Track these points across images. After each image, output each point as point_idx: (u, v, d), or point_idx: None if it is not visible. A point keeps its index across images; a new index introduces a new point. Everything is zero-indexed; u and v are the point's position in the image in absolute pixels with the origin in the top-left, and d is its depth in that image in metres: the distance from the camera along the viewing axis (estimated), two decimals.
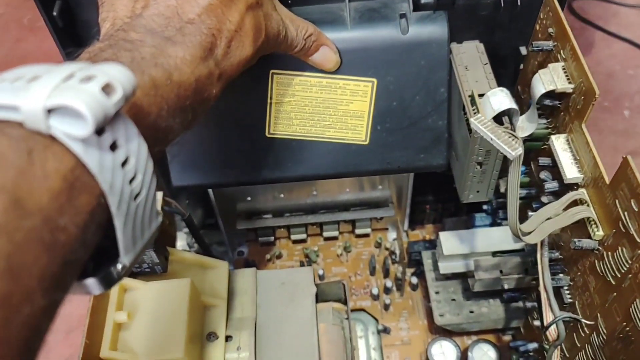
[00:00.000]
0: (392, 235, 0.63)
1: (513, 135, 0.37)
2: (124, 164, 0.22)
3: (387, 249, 0.62)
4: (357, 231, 0.62)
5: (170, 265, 0.45)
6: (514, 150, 0.36)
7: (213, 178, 0.47)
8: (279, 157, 0.46)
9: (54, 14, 0.41)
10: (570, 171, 0.39)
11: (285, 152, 0.46)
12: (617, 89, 0.80)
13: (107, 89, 0.21)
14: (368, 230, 0.62)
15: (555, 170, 0.41)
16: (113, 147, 0.22)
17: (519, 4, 0.43)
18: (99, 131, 0.21)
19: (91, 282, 0.23)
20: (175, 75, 0.28)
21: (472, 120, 0.38)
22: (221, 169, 0.46)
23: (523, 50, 0.47)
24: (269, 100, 0.45)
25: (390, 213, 0.60)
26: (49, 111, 0.20)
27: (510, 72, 0.49)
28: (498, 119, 0.41)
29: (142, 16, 0.30)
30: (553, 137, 0.41)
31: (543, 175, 0.43)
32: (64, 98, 0.20)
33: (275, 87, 0.44)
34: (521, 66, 0.48)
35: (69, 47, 0.44)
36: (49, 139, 0.21)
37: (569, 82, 0.40)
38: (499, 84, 0.45)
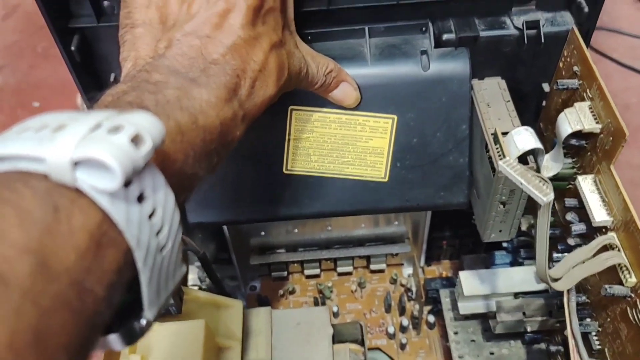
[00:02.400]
0: (407, 270, 0.62)
1: (543, 179, 0.36)
2: (150, 215, 0.21)
3: (402, 285, 0.60)
4: (372, 267, 0.60)
5: (184, 304, 0.44)
6: (546, 196, 0.35)
7: (230, 215, 0.46)
8: (297, 193, 0.45)
9: (72, 48, 0.41)
10: (599, 214, 0.38)
11: (303, 189, 0.45)
12: (634, 122, 0.79)
13: (135, 139, 0.20)
14: (383, 266, 0.60)
15: (582, 211, 0.40)
16: (140, 198, 0.21)
17: (542, 41, 0.42)
18: (127, 183, 0.20)
19: (113, 338, 0.22)
20: (201, 119, 0.27)
21: (500, 163, 0.37)
22: (238, 206, 0.45)
23: (546, 87, 0.46)
24: (287, 137, 0.44)
25: (407, 249, 0.59)
26: (76, 163, 0.19)
27: (532, 108, 0.48)
28: (522, 158, 0.40)
29: (166, 56, 0.29)
30: (580, 178, 0.40)
31: (570, 216, 0.41)
32: (92, 150, 0.19)
33: (294, 123, 0.43)
34: (544, 103, 0.47)
35: (85, 81, 0.43)
36: (74, 192, 0.20)
37: (597, 122, 0.39)
38: (521, 120, 0.44)
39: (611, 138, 0.38)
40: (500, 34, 0.42)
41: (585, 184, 0.40)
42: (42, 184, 0.19)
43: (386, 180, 0.45)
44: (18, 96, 0.92)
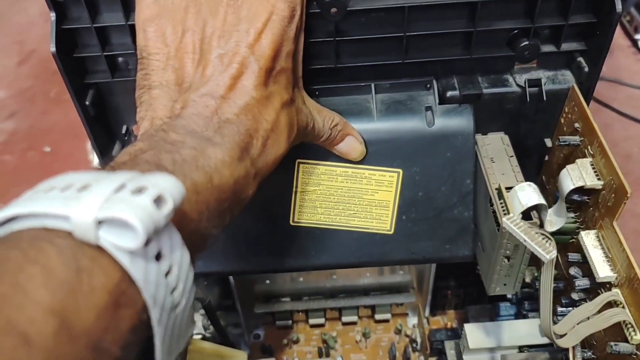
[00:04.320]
0: (412, 320, 0.62)
1: (546, 236, 0.36)
2: (167, 274, 0.22)
3: (407, 335, 0.60)
4: (377, 316, 0.60)
5: (188, 354, 0.44)
6: (548, 254, 0.35)
7: (236, 265, 0.46)
8: (303, 245, 0.46)
9: (87, 103, 0.42)
10: (603, 270, 0.38)
11: (309, 241, 0.46)
12: (635, 172, 0.80)
13: (157, 200, 0.21)
14: (388, 316, 0.60)
15: (585, 266, 0.41)
16: (158, 257, 0.22)
17: (544, 98, 0.43)
18: (146, 242, 0.21)
19: None
20: (216, 179, 0.28)
21: (504, 220, 0.38)
22: (245, 257, 0.46)
23: (548, 142, 0.47)
24: (294, 189, 0.45)
25: (411, 299, 0.59)
26: (99, 222, 0.20)
27: (535, 162, 0.49)
28: (526, 214, 0.40)
29: (182, 116, 0.31)
30: (583, 233, 0.41)
31: (573, 271, 0.42)
32: (117, 211, 0.20)
33: (301, 176, 0.44)
34: (546, 157, 0.48)
35: (98, 132, 0.45)
36: (96, 251, 0.20)
37: (598, 179, 0.40)
38: (524, 174, 0.45)
39: (613, 195, 0.38)
40: (503, 91, 0.44)
41: (588, 239, 0.40)
42: (66, 242, 0.20)
43: (392, 232, 0.46)
44: (29, 140, 0.93)
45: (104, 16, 0.39)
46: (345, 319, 0.61)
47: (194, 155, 0.28)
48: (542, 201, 0.40)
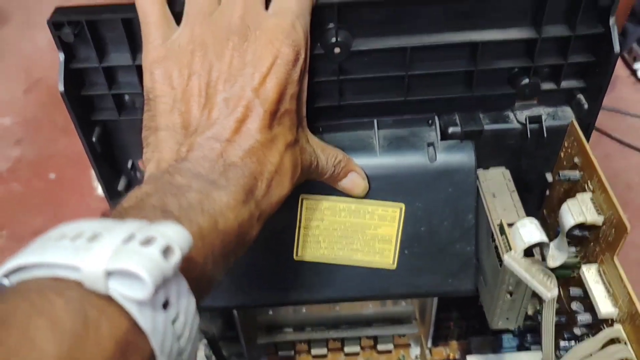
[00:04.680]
0: (414, 351, 0.62)
1: (548, 273, 0.36)
2: (174, 321, 0.23)
3: None
4: (379, 347, 0.60)
5: None
6: (550, 291, 0.35)
7: (239, 300, 0.47)
8: (306, 280, 0.46)
9: (94, 140, 0.43)
10: (604, 305, 0.38)
11: (312, 275, 0.46)
12: (636, 201, 0.80)
13: (166, 251, 0.22)
14: (390, 347, 0.60)
15: (587, 301, 0.41)
16: (165, 305, 0.22)
17: (545, 135, 0.44)
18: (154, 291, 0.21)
19: None
20: (221, 223, 0.28)
21: (505, 257, 0.38)
22: (248, 291, 0.46)
23: (549, 177, 0.47)
24: (297, 224, 0.45)
25: (414, 330, 0.59)
26: (109, 273, 0.21)
27: (536, 196, 0.49)
28: (528, 250, 0.41)
29: (188, 159, 0.31)
30: (584, 268, 0.41)
31: (575, 306, 0.42)
32: (126, 263, 0.20)
33: (305, 212, 0.45)
34: (547, 191, 0.48)
35: (103, 167, 0.45)
36: (105, 300, 0.21)
37: (599, 214, 0.40)
38: (525, 208, 0.45)
39: (613, 230, 0.39)
40: (504, 127, 0.44)
41: (590, 274, 0.41)
42: (74, 292, 0.21)
43: (394, 267, 0.46)
44: (35, 167, 0.94)
45: (111, 56, 0.40)
46: (347, 349, 0.61)
47: (199, 199, 0.29)
48: (544, 238, 0.40)
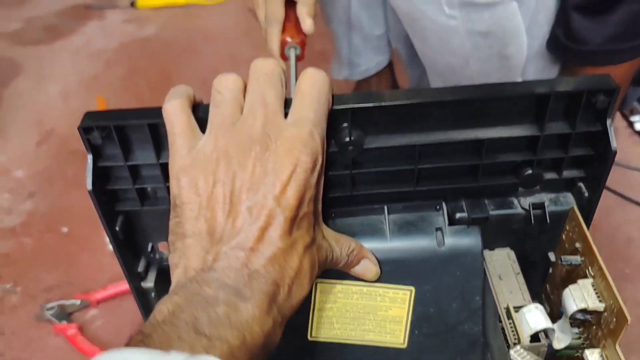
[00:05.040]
0: None
1: None
2: None
3: None
4: None
5: None
6: None
7: None
8: (320, 358, 0.48)
9: (117, 229, 0.45)
10: None
11: (326, 355, 0.48)
12: (637, 256, 0.82)
13: None
14: None
15: None
16: None
17: (547, 220, 0.46)
18: None
19: None
20: (248, 337, 0.30)
21: (512, 352, 0.40)
22: None
23: (552, 256, 0.49)
24: (312, 306, 0.47)
25: None
26: None
27: (540, 273, 0.51)
28: (534, 334, 0.43)
29: (214, 269, 0.33)
30: (587, 352, 0.43)
31: None
32: None
33: (319, 295, 0.47)
34: (550, 269, 0.50)
35: (125, 251, 0.47)
36: None
37: (600, 301, 0.42)
38: (529, 284, 0.48)
39: (615, 319, 0.41)
40: (508, 213, 0.46)
41: (593, 358, 0.42)
42: None
43: (405, 346, 0.48)
44: (47, 221, 0.97)
45: (136, 154, 0.42)
46: None
47: (227, 313, 0.31)
48: (550, 324, 0.42)
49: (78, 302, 0.81)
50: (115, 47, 1.42)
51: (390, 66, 1.05)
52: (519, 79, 0.74)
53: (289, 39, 0.72)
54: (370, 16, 0.94)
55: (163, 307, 0.31)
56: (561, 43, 0.66)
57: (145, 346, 0.28)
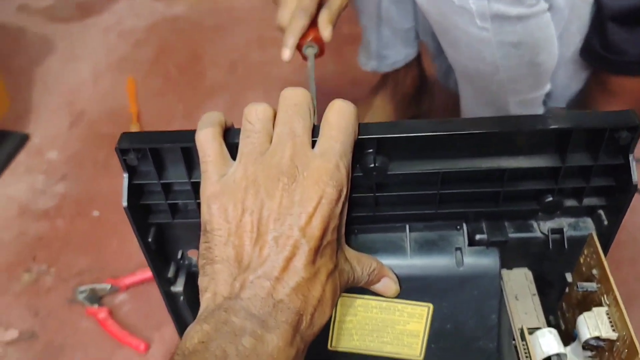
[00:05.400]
0: None
1: None
2: None
3: None
4: None
5: None
6: None
7: None
8: None
9: (149, 240, 0.47)
10: None
11: None
12: None
13: None
14: None
15: None
16: None
17: (566, 246, 0.47)
18: None
19: None
20: None
21: None
22: None
23: (569, 277, 0.50)
24: (332, 318, 0.49)
25: None
26: None
27: (557, 291, 0.52)
28: (547, 358, 0.44)
29: (241, 298, 0.35)
30: None
31: None
32: None
33: (340, 307, 0.48)
34: (567, 289, 0.51)
35: (156, 259, 0.49)
36: None
37: (613, 331, 0.43)
38: (545, 301, 0.49)
39: (626, 350, 0.42)
40: (527, 236, 0.47)
41: None
42: None
43: (421, 359, 0.50)
44: (79, 206, 1.00)
45: (169, 172, 0.44)
46: None
47: (253, 345, 0.33)
48: (562, 349, 0.44)
49: (108, 286, 0.84)
50: (144, 26, 1.43)
51: (418, 58, 1.04)
52: (548, 85, 0.74)
53: (309, 38, 0.69)
54: (399, 10, 0.93)
55: (194, 335, 0.33)
56: (596, 53, 0.66)
57: None
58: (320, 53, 0.70)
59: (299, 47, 0.69)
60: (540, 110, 0.76)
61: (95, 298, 0.83)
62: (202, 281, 0.38)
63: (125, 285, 0.84)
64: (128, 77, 1.25)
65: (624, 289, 0.82)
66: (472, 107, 0.83)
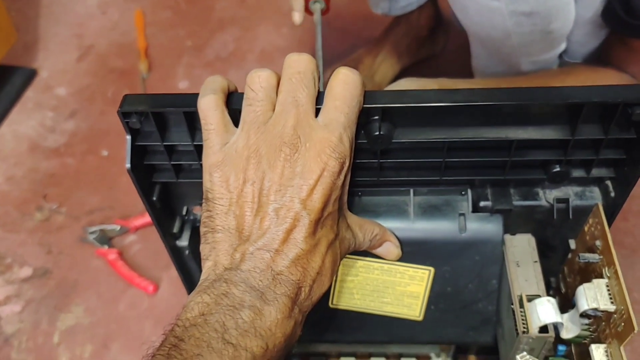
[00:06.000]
0: None
1: None
2: None
3: None
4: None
5: None
6: None
7: None
8: (340, 324, 0.51)
9: (154, 199, 0.47)
10: None
11: (345, 320, 0.51)
12: None
13: None
14: None
15: None
16: None
17: (570, 216, 0.46)
18: None
19: None
20: (270, 344, 0.33)
21: (518, 357, 0.42)
22: None
23: (572, 244, 0.50)
24: (335, 277, 0.49)
25: (436, 349, 0.64)
26: None
27: (559, 256, 0.52)
28: (543, 327, 0.45)
29: (241, 269, 0.35)
30: (593, 346, 0.45)
31: None
32: None
33: (342, 268, 0.49)
34: (569, 255, 0.51)
35: (161, 217, 0.50)
36: None
37: (612, 303, 0.43)
38: (547, 267, 0.49)
39: (623, 324, 0.42)
40: (532, 204, 0.47)
41: (598, 353, 0.44)
42: None
43: (421, 319, 0.51)
44: (88, 143, 1.00)
45: (172, 133, 0.44)
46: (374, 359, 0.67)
47: (252, 318, 0.33)
48: (559, 319, 0.44)
49: (118, 227, 0.85)
50: None
51: None
52: (564, 45, 0.71)
53: None
54: None
55: (195, 307, 0.34)
56: (618, 17, 0.63)
57: (179, 352, 0.31)
58: (326, 10, 0.69)
59: (306, 2, 0.69)
60: (554, 66, 0.73)
61: (105, 239, 0.84)
62: (203, 249, 0.39)
63: (135, 226, 0.86)
64: (136, 11, 1.22)
65: (630, 240, 0.83)
66: (483, 64, 0.81)
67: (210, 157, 0.39)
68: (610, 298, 0.44)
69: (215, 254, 0.37)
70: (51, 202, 0.92)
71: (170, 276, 0.81)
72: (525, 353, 0.43)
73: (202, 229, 0.39)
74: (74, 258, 0.85)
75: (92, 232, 0.85)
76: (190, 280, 0.57)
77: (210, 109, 0.39)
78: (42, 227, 0.89)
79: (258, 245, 0.36)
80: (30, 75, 1.09)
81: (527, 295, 0.46)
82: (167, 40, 1.16)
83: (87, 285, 0.82)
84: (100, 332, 0.78)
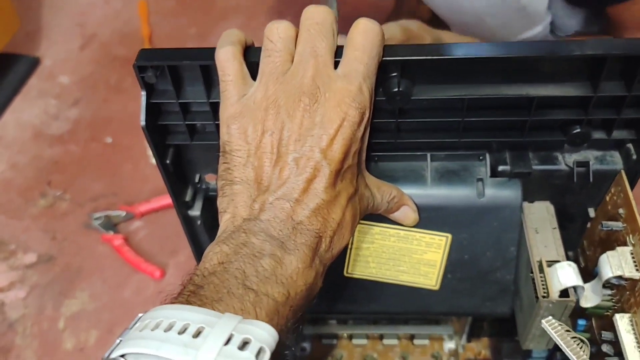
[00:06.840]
0: (448, 344, 0.66)
1: (581, 343, 0.40)
2: None
3: None
4: (416, 342, 0.65)
5: None
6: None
7: None
8: (354, 293, 0.50)
9: (167, 162, 0.46)
10: (633, 356, 0.41)
11: (360, 290, 0.50)
12: None
13: (259, 353, 0.26)
14: (426, 342, 0.65)
15: (617, 345, 0.44)
16: None
17: (591, 180, 0.46)
18: None
19: None
20: (292, 292, 0.32)
21: (543, 322, 0.41)
22: None
23: (591, 212, 0.49)
24: (349, 245, 0.49)
25: (450, 331, 0.63)
26: None
27: (578, 226, 0.51)
28: (564, 291, 0.44)
29: (260, 219, 0.34)
30: (617, 316, 0.43)
31: (605, 348, 0.45)
32: None
33: (357, 234, 0.48)
34: (589, 224, 0.50)
35: (174, 181, 0.49)
36: None
37: (637, 270, 0.42)
38: (566, 237, 0.48)
39: None
40: (551, 168, 0.46)
41: (622, 322, 0.43)
42: None
43: (437, 288, 0.49)
44: (92, 130, 0.99)
45: (187, 91, 0.43)
46: (386, 341, 0.65)
47: (273, 267, 0.32)
48: (580, 283, 0.43)
49: (123, 213, 0.84)
50: None
51: None
52: (548, 18, 0.70)
53: None
54: None
55: (213, 257, 0.33)
56: None
57: (199, 298, 0.30)
58: None
59: None
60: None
61: (110, 225, 0.83)
62: (221, 202, 0.38)
63: (140, 212, 0.85)
64: (140, 0, 1.21)
65: None
66: None
67: (228, 109, 0.38)
68: (635, 265, 0.43)
69: (233, 206, 0.36)
70: (55, 188, 0.91)
71: (177, 262, 0.80)
72: (550, 317, 0.42)
73: (219, 182, 0.38)
74: (79, 244, 0.84)
75: (97, 218, 0.83)
76: (201, 252, 0.55)
77: (228, 60, 0.38)
78: (46, 214, 0.88)
79: (277, 195, 0.35)
80: (34, 63, 1.09)
81: (547, 261, 0.46)
82: (170, 28, 1.16)
83: (92, 271, 0.81)
84: (106, 318, 0.77)
